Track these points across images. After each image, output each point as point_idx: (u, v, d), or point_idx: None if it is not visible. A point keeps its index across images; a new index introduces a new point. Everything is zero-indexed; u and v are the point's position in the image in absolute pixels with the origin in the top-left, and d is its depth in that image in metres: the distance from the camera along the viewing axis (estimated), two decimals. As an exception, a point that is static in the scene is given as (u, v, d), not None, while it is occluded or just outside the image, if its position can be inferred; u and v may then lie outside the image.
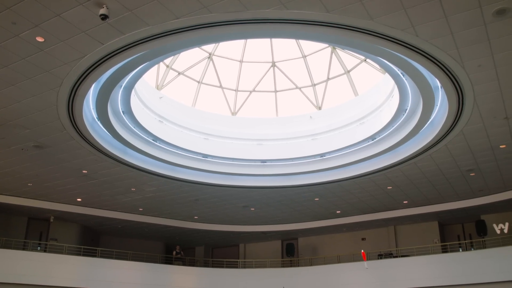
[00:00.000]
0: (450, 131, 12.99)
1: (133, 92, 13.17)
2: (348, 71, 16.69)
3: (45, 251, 19.96)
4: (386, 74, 13.36)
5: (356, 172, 16.42)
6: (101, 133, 13.78)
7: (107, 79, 10.97)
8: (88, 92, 11.40)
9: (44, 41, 8.98)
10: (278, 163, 17.08)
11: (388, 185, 17.57)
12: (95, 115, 12.88)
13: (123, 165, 15.57)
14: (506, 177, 16.72)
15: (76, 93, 10.91)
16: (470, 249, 19.82)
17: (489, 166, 15.66)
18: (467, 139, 13.55)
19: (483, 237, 19.65)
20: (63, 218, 21.04)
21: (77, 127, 12.67)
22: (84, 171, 16.07)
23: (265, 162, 17.05)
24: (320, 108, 17.72)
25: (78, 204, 19.71)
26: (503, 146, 14.05)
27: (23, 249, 19.38)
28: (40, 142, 13.62)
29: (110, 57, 9.60)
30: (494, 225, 19.98)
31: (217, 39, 11.14)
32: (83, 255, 19.96)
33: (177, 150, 15.99)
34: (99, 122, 13.20)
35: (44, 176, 16.51)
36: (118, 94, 12.39)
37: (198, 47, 14.65)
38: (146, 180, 17.02)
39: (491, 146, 14.03)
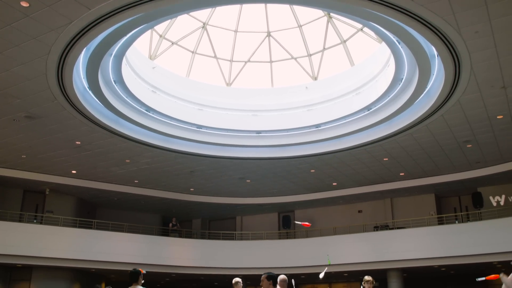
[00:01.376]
0: (446, 101, 12.81)
1: (125, 61, 12.96)
2: (344, 41, 16.43)
3: (41, 223, 19.94)
4: (383, 43, 13.17)
5: (352, 143, 16.29)
6: (93, 103, 13.59)
7: (97, 46, 10.74)
8: (78, 61, 11.20)
9: (29, 6, 8.73)
10: (273, 134, 16.95)
11: (384, 157, 17.46)
12: (86, 85, 12.68)
13: (116, 136, 15.43)
14: (503, 149, 16.61)
15: (65, 61, 10.69)
16: (466, 221, 19.84)
17: (486, 137, 15.53)
18: (464, 109, 13.38)
19: (479, 209, 19.65)
20: (59, 190, 20.97)
21: (68, 97, 12.48)
22: (77, 142, 15.92)
23: (260, 133, 16.91)
24: (316, 79, 17.51)
25: (73, 176, 19.62)
26: (500, 116, 13.89)
27: (19, 221, 19.40)
28: (31, 112, 13.45)
29: (98, 23, 9.36)
30: (491, 198, 20.02)
31: (209, 3, 10.89)
32: (79, 227, 20.00)
33: (171, 120, 15.84)
34: (90, 92, 12.99)
35: (37, 148, 16.37)
36: (108, 62, 12.17)
37: (190, 12, 14.29)
38: (140, 151, 16.88)
39: (488, 116, 13.87)
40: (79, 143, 15.96)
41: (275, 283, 5.93)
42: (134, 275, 6.90)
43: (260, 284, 5.97)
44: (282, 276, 8.54)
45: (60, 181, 19.66)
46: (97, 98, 13.26)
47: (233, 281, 9.46)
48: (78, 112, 13.48)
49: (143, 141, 15.91)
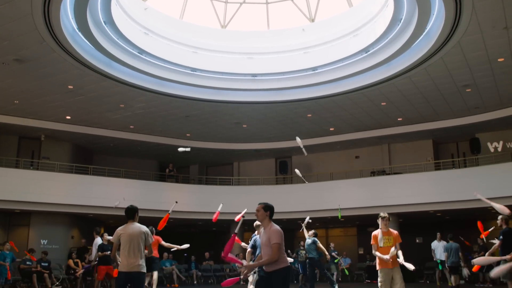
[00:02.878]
0: (446, 42, 12.48)
1: (115, 2, 12.56)
2: (343, -19, 15.90)
3: (37, 169, 19.89)
4: (382, -18, 12.70)
5: (349, 86, 16.01)
6: (83, 45, 13.25)
7: (83, -17, 10.36)
8: (65, -1, 10.82)
9: None
10: (269, 77, 16.66)
11: (382, 101, 17.21)
12: (75, 26, 12.31)
13: (109, 80, 15.13)
14: (503, 94, 16.38)
15: (51, -1, 10.32)
16: (463, 167, 19.81)
17: (486, 82, 15.28)
18: (464, 51, 13.06)
19: (477, 155, 19.58)
20: (54, 136, 20.81)
21: (57, 38, 12.15)
22: (69, 87, 15.66)
23: (255, 76, 16.62)
24: (313, 20, 17.04)
25: (68, 122, 19.43)
26: (501, 59, 13.60)
27: (16, 167, 19.36)
28: (20, 55, 13.17)
29: (82, -43, 8.96)
30: (489, 144, 19.93)
31: None
32: (76, 173, 19.99)
33: (164, 63, 15.53)
34: (80, 33, 12.64)
35: (29, 93, 16.14)
36: (97, 2, 11.79)
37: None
38: (134, 96, 16.62)
39: (489, 59, 13.57)
40: (72, 87, 15.70)
41: (271, 215, 5.68)
42: (130, 212, 6.75)
43: (256, 214, 5.69)
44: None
45: (55, 127, 19.49)
46: (87, 39, 12.92)
47: (255, 224, 9.34)
48: (68, 55, 13.17)
49: (137, 85, 15.63)
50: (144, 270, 6.63)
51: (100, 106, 17.61)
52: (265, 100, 17.26)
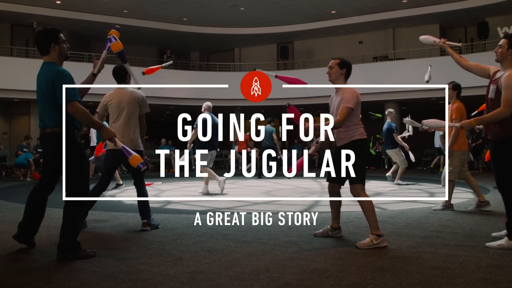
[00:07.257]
0: None
1: None
2: None
3: (32, 58, 19.52)
4: None
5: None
6: None
7: None
8: None
9: None
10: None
11: (386, -19, 16.30)
12: None
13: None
14: (519, -32, 15.40)
15: None
16: (470, 53, 19.17)
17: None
18: None
19: (484, 40, 18.85)
20: (48, 23, 20.00)
21: None
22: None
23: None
24: None
25: (59, 7, 18.76)
26: None
27: (10, 55, 19.02)
28: None
29: None
30: (498, 28, 19.15)
31: None
32: (71, 61, 19.56)
33: None
34: None
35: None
36: None
37: None
38: (121, -24, 15.83)
39: None
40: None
41: (348, 74, 4.70)
42: (118, 72, 5.34)
43: (328, 72, 4.69)
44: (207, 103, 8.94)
45: (46, 13, 19.04)
46: None
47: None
48: None
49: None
50: (141, 147, 5.30)
51: (89, -12, 16.87)
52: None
